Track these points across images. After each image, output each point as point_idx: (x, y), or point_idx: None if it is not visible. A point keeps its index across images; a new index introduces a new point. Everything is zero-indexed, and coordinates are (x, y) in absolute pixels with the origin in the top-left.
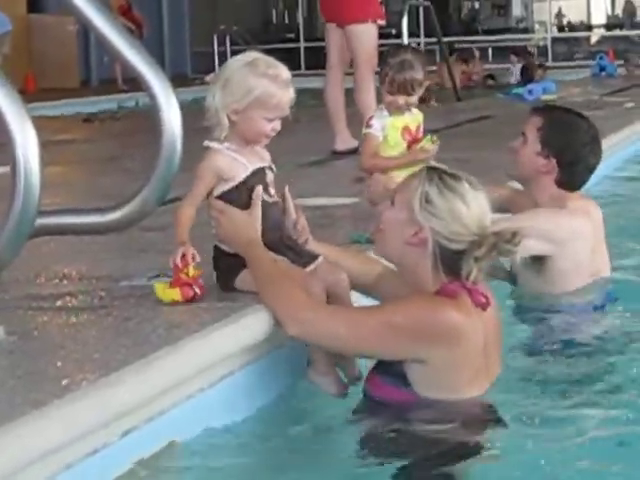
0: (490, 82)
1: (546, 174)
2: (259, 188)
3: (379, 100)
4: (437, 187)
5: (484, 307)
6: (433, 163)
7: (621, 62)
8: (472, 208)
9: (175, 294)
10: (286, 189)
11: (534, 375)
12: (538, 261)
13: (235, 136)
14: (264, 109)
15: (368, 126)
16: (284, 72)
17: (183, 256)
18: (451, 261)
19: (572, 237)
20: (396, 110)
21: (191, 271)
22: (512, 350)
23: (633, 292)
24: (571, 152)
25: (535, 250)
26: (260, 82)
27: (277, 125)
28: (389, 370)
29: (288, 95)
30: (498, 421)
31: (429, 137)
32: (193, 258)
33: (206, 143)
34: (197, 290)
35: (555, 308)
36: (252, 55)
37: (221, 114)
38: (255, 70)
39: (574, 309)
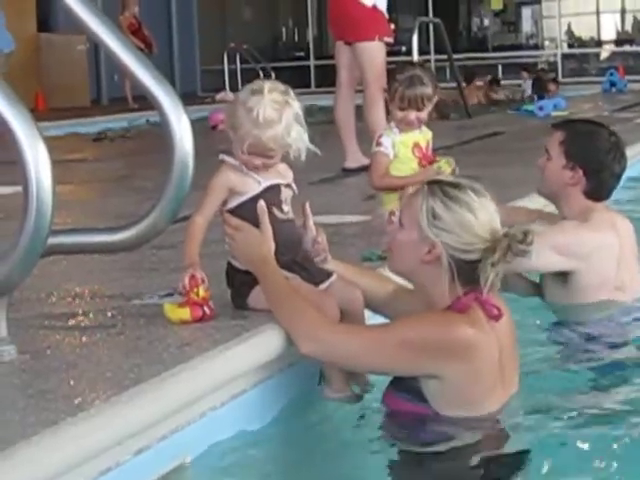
0: (495, 89)
1: (574, 186)
2: (261, 203)
3: (389, 118)
4: (441, 201)
5: (497, 319)
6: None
7: (632, 77)
8: (480, 216)
9: (184, 314)
10: (307, 205)
11: (555, 388)
12: (563, 275)
13: None
14: (238, 140)
15: (378, 144)
16: (265, 110)
17: (192, 277)
18: (468, 271)
19: (596, 251)
20: (406, 126)
21: (201, 292)
22: (534, 362)
23: None
24: (596, 160)
25: (559, 266)
26: (239, 113)
27: (256, 160)
28: (405, 386)
29: (262, 135)
30: (515, 436)
31: (447, 160)
32: (202, 280)
33: (221, 157)
34: (207, 310)
35: (578, 321)
36: (257, 85)
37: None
38: (241, 99)
39: (597, 322)
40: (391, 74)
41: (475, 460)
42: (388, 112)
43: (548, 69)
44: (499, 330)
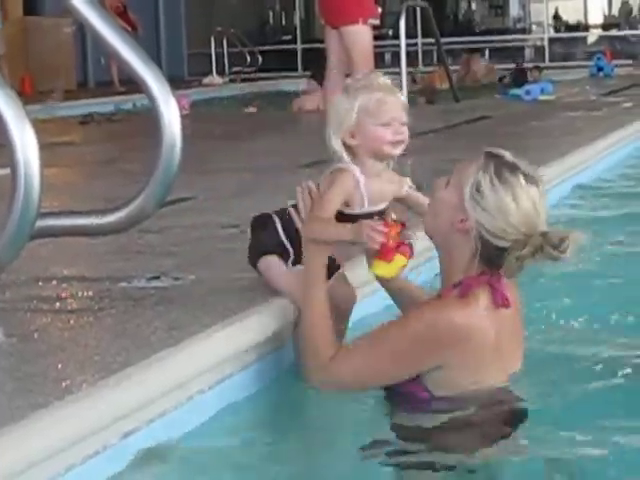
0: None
1: None
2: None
3: None
4: (490, 178)
5: (504, 307)
6: (493, 149)
7: (620, 62)
8: (522, 206)
9: (400, 260)
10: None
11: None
12: None
13: (361, 160)
14: (372, 117)
15: None
16: (378, 79)
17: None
18: (492, 255)
19: None
20: None
21: (392, 234)
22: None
23: None
24: None
25: None
26: (358, 94)
27: (398, 130)
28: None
29: (393, 98)
30: (520, 410)
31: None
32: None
33: (340, 165)
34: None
35: None
36: (356, 83)
37: (335, 142)
38: (348, 90)
39: None
40: None
41: (474, 434)
42: None
43: (534, 53)
44: (500, 315)
